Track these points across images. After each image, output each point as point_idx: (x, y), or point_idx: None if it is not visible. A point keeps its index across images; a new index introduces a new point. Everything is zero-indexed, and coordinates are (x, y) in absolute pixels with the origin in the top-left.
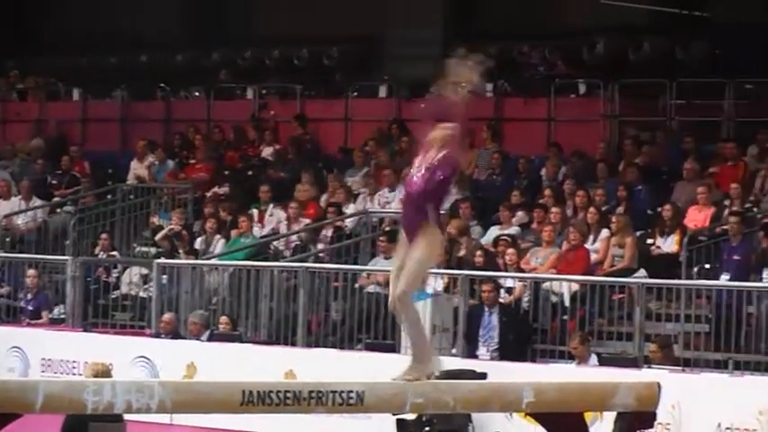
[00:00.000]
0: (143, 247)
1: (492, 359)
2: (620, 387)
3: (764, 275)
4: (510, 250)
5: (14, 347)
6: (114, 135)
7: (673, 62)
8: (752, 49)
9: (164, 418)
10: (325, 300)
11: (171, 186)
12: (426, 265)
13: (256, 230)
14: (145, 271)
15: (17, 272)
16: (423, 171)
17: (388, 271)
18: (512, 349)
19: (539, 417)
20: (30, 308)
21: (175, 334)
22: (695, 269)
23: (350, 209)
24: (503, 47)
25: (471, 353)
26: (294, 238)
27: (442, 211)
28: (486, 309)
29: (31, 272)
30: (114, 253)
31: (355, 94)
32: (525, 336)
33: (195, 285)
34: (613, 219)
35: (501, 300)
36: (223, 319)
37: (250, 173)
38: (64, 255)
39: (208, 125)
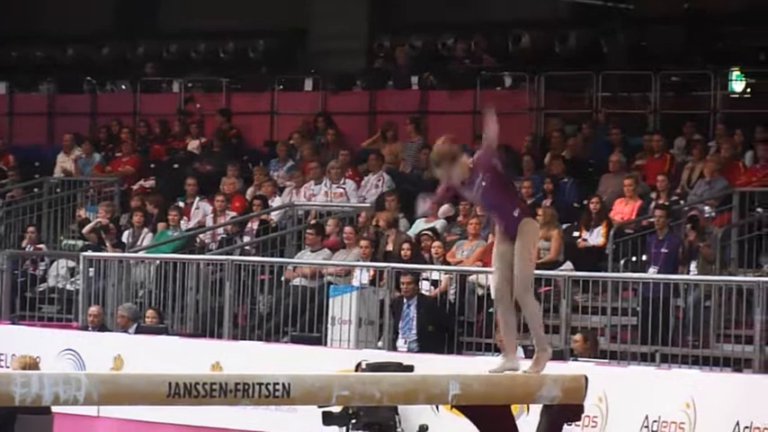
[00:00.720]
0: (70, 240)
1: (410, 350)
2: (547, 380)
3: (692, 268)
4: (435, 243)
5: None
6: (41, 128)
7: (598, 55)
8: (676, 41)
9: (91, 410)
10: (252, 292)
11: (97, 179)
12: (532, 257)
13: (183, 224)
14: (72, 264)
15: None
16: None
17: (315, 264)
18: (431, 340)
19: (465, 410)
20: None
21: (102, 327)
22: (622, 262)
23: (276, 202)
24: (428, 39)
25: (393, 345)
26: (220, 231)
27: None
28: (405, 300)
29: None
30: (41, 246)
31: (281, 87)
32: (445, 327)
33: (122, 278)
34: (539, 211)
35: (425, 292)
36: (150, 312)
37: (176, 166)
38: None
39: (134, 118)
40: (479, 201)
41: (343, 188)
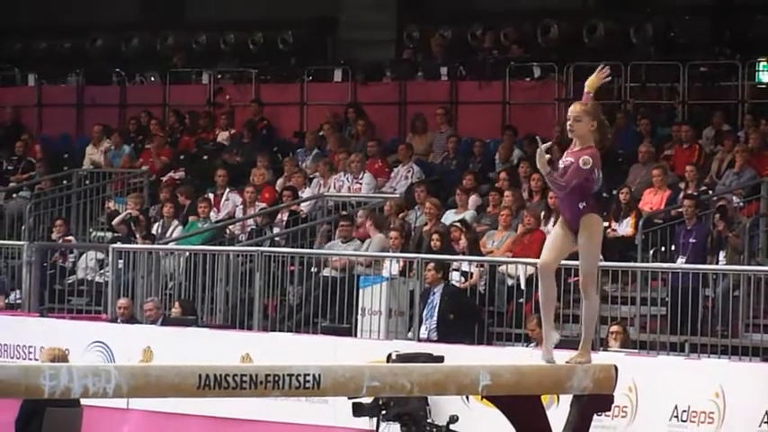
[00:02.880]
0: (99, 232)
1: (429, 338)
2: (577, 370)
3: (720, 258)
4: (462, 239)
5: None
6: (70, 120)
7: (626, 45)
8: (703, 31)
9: (120, 403)
10: (282, 284)
11: (127, 171)
12: (595, 251)
13: (212, 215)
14: (101, 256)
15: None
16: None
17: (346, 255)
18: (451, 329)
19: (495, 400)
20: None
21: (132, 319)
22: (651, 252)
23: (305, 193)
24: (456, 30)
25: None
26: (250, 222)
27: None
28: (432, 289)
29: None
30: (70, 238)
31: (310, 78)
32: (470, 315)
33: (151, 270)
34: None
35: (456, 283)
36: (175, 304)
37: (206, 157)
38: (20, 240)
39: (163, 110)
40: (556, 181)
41: (360, 183)
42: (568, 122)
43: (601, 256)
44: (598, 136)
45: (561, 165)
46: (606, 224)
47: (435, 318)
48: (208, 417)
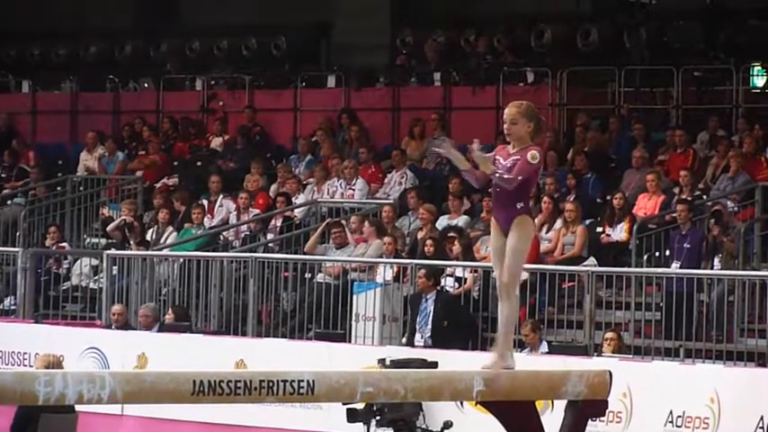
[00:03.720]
0: (93, 239)
1: (425, 346)
2: (571, 375)
3: (715, 263)
4: (455, 245)
5: None
6: (64, 126)
7: (620, 50)
8: (697, 35)
9: (115, 409)
10: (275, 289)
11: (121, 177)
12: (524, 252)
13: (206, 221)
14: (95, 262)
15: None
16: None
17: (339, 261)
18: (446, 336)
19: (489, 405)
20: None
21: (126, 325)
22: (645, 257)
23: (299, 199)
24: (450, 35)
25: (411, 341)
26: (244, 228)
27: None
28: (424, 296)
29: None
30: (64, 244)
31: (303, 84)
32: (464, 322)
33: (146, 276)
34: (567, 207)
35: (450, 288)
36: (169, 310)
37: (199, 163)
38: (14, 246)
39: (157, 116)
40: (503, 176)
41: (353, 189)
42: (504, 125)
43: (594, 261)
44: (535, 136)
45: (500, 164)
46: (600, 229)
47: (430, 326)
48: (202, 423)
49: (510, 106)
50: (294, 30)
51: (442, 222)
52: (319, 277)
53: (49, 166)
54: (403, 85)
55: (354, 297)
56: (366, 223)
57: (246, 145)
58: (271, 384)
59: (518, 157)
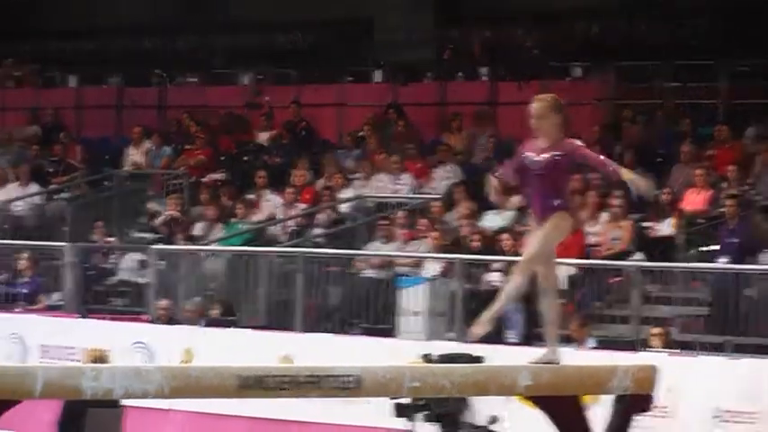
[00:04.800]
0: (140, 233)
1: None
2: (618, 370)
3: (763, 258)
4: (505, 236)
5: (12, 334)
6: (110, 121)
7: (668, 44)
8: (745, 29)
9: (161, 404)
10: (322, 284)
11: (167, 172)
12: (553, 243)
13: (253, 216)
14: (142, 257)
15: (14, 259)
16: (558, 158)
17: (386, 255)
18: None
19: (536, 400)
20: (24, 291)
21: (172, 320)
22: (693, 252)
23: (346, 193)
24: (496, 30)
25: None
26: (291, 223)
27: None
28: None
29: (23, 256)
30: (111, 239)
31: (350, 79)
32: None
33: (192, 271)
34: (614, 202)
35: (496, 284)
36: (216, 305)
37: (246, 158)
38: (61, 241)
39: (203, 111)
40: (535, 173)
41: (400, 184)
42: (531, 120)
43: (642, 256)
44: (563, 130)
45: (540, 158)
46: (648, 224)
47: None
48: (249, 417)
49: (536, 100)
50: (340, 25)
51: (490, 218)
52: (366, 272)
53: (95, 160)
54: (449, 80)
55: (400, 292)
56: (423, 220)
57: (293, 140)
58: (317, 379)
59: (559, 152)
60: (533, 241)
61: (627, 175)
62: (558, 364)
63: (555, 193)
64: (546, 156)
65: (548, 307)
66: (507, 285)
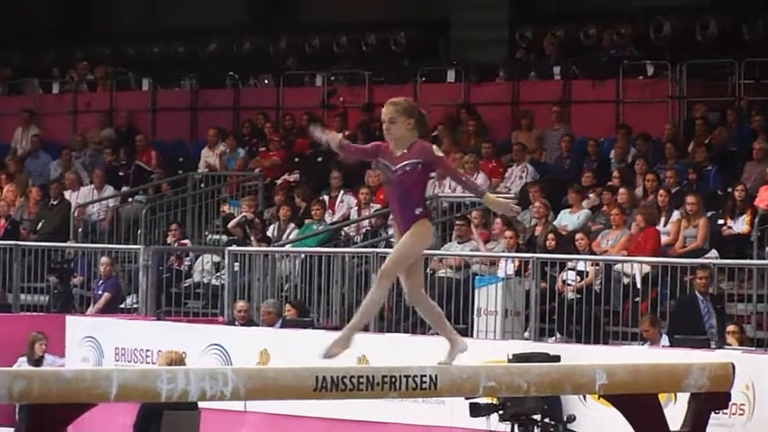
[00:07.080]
0: (214, 235)
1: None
2: (694, 368)
3: None
4: (579, 235)
5: (88, 337)
6: (184, 124)
7: (739, 41)
8: None
9: (238, 406)
10: (397, 285)
11: (242, 174)
12: (414, 251)
13: (327, 217)
14: (217, 259)
15: (90, 262)
16: (418, 166)
17: (462, 255)
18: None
19: (612, 399)
20: (100, 292)
21: (249, 321)
22: (767, 249)
23: None
24: (569, 29)
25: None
26: (365, 223)
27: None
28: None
29: (103, 259)
30: (186, 241)
31: (423, 79)
32: (596, 318)
33: (267, 272)
34: (689, 200)
35: (571, 282)
36: (289, 305)
37: (320, 159)
38: (136, 244)
39: (277, 113)
40: (393, 182)
41: None
42: (384, 125)
43: (716, 253)
44: (417, 133)
45: (396, 167)
46: (722, 222)
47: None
48: (325, 419)
49: (386, 105)
50: (413, 25)
51: (564, 217)
52: (441, 272)
53: (170, 163)
54: (522, 79)
55: (476, 291)
56: (498, 219)
57: (367, 140)
58: (393, 380)
59: (413, 160)
60: (393, 252)
61: (489, 197)
62: (465, 349)
63: (414, 203)
64: (400, 165)
65: (428, 312)
66: (366, 299)
